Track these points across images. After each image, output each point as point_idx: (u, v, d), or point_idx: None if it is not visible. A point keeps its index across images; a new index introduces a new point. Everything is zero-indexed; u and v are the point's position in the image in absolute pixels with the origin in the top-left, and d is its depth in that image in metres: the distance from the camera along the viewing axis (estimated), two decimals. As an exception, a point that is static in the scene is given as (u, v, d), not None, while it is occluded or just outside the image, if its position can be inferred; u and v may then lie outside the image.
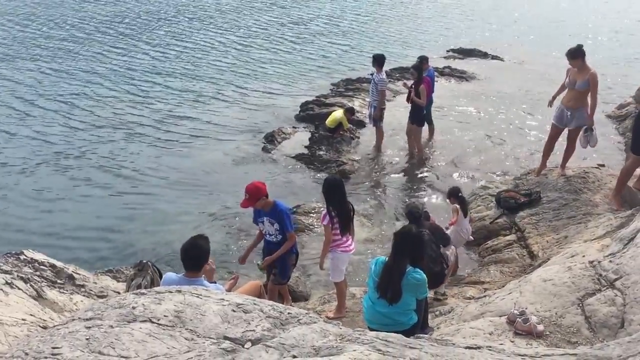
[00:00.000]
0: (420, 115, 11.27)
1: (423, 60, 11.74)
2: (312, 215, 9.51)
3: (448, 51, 20.16)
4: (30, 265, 5.99)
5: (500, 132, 13.18)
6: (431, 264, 6.21)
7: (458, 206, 7.64)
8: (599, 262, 5.18)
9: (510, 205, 8.53)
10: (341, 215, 6.40)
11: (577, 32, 22.96)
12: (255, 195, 6.16)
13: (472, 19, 26.31)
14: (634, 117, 7.70)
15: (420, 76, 10.96)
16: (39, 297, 5.34)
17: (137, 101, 14.68)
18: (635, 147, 7.51)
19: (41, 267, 6.07)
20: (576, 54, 8.07)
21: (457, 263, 7.99)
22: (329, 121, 12.52)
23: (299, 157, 11.88)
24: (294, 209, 9.65)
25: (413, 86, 11.09)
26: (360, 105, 14.10)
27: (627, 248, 5.18)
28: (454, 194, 7.74)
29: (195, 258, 4.78)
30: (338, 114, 12.52)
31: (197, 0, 26.90)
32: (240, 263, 6.78)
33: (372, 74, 11.76)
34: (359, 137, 12.87)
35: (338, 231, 6.41)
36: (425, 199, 10.32)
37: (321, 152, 11.99)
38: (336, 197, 6.41)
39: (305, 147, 12.33)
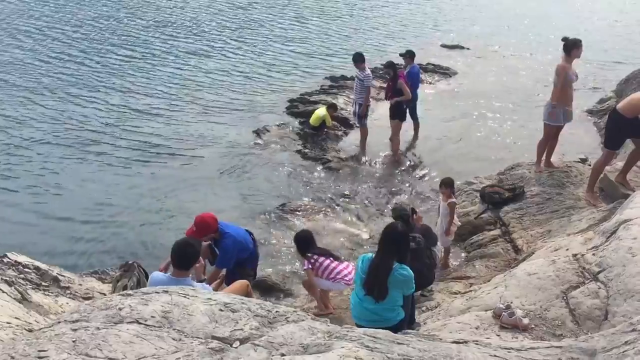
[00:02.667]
0: (400, 110, 11.34)
1: (409, 54, 11.90)
2: (298, 213, 9.52)
3: (431, 47, 20.23)
4: (14, 268, 5.93)
5: (484, 127, 13.26)
6: (426, 271, 6.23)
7: (455, 200, 7.74)
8: (583, 255, 5.25)
9: (494, 200, 8.59)
10: (321, 253, 6.70)
11: (553, 31, 23.20)
12: (201, 230, 6.20)
13: (453, 15, 26.42)
14: (609, 113, 7.84)
15: (395, 73, 11.04)
16: (23, 300, 5.29)
17: (109, 105, 14.23)
18: (610, 142, 7.66)
19: (25, 269, 6.01)
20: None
21: (448, 259, 8.07)
22: (312, 119, 12.52)
23: (284, 155, 11.86)
24: (280, 207, 9.66)
25: (390, 83, 11.17)
26: (345, 102, 14.11)
27: (610, 241, 5.25)
28: (450, 185, 7.79)
29: (187, 256, 4.86)
30: (321, 111, 12.54)
31: (162, 3, 25.88)
32: None
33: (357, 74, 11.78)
34: (344, 135, 12.89)
35: (330, 262, 6.62)
36: (410, 195, 10.36)
37: (306, 150, 11.98)
38: (311, 247, 6.70)
39: (291, 144, 12.31)
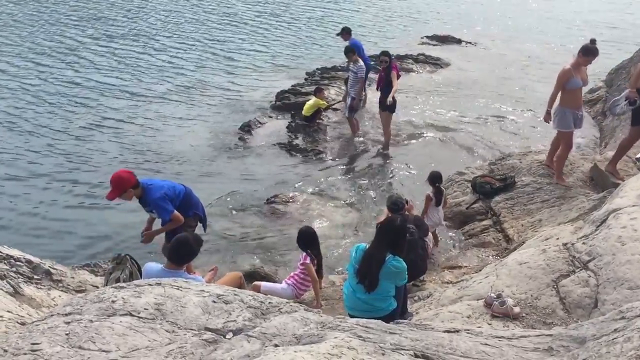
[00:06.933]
0: (392, 103, 11.30)
1: (345, 31, 12.26)
2: (289, 203, 9.52)
3: (422, 38, 20.20)
4: (5, 262, 5.90)
5: (475, 118, 13.26)
6: (420, 262, 6.26)
7: (430, 194, 7.73)
8: (573, 244, 5.29)
9: (485, 190, 8.63)
10: (317, 258, 6.66)
11: (540, 20, 23.26)
12: (118, 186, 5.72)
13: (445, 8, 26.40)
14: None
15: (391, 62, 10.94)
16: (15, 293, 5.27)
17: (105, 95, 14.37)
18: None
19: (17, 263, 5.98)
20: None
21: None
22: (305, 110, 12.49)
23: (275, 147, 11.85)
24: (272, 198, 9.65)
25: (383, 73, 11.11)
26: (336, 93, 14.07)
27: (600, 230, 5.29)
28: (434, 181, 7.79)
29: (180, 253, 4.93)
30: (311, 101, 12.54)
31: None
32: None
33: (346, 63, 11.73)
34: (335, 126, 12.86)
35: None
36: (400, 185, 10.37)
37: (298, 141, 11.98)
38: (313, 246, 6.64)
39: (282, 136, 12.30)
